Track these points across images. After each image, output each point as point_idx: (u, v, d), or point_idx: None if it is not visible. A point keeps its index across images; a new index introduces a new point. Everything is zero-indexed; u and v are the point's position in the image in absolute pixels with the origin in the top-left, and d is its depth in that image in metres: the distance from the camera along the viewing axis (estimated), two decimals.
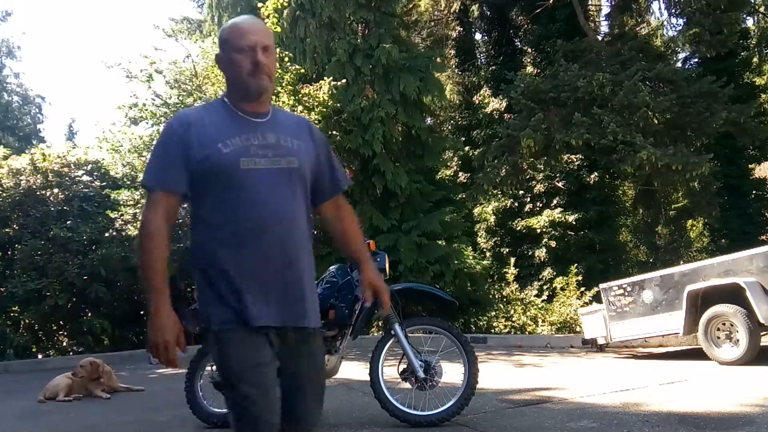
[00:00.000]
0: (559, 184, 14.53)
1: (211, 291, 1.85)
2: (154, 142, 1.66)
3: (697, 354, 6.47)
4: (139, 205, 10.75)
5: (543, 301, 11.79)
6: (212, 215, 1.85)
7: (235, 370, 1.79)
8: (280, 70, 11.21)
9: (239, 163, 1.82)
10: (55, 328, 11.14)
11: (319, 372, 2.00)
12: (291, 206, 1.87)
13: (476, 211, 15.86)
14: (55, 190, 11.01)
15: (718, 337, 6.13)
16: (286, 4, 12.07)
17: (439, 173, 13.68)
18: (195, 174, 1.85)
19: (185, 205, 2.00)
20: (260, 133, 1.89)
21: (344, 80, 11.58)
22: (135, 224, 10.58)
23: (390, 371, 4.20)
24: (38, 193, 10.97)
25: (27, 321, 10.71)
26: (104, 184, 11.71)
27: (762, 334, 6.02)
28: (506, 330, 11.15)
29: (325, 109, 11.34)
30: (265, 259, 1.82)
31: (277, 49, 11.32)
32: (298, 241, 1.89)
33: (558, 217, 14.17)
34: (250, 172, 1.82)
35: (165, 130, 1.93)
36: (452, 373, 4.09)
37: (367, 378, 4.17)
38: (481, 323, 11.76)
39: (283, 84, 11.13)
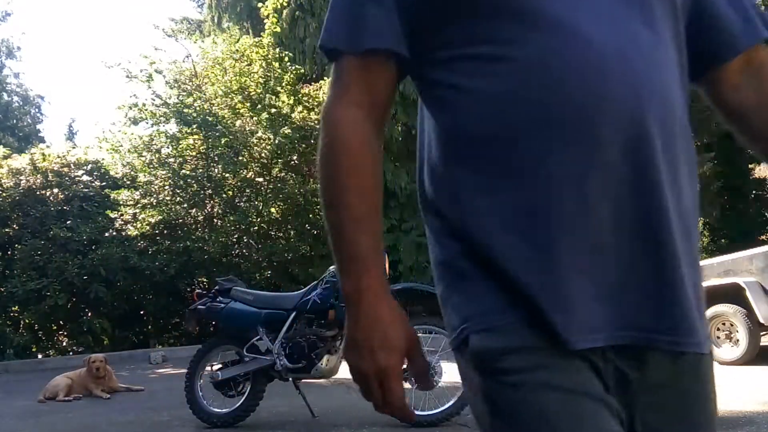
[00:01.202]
0: None
1: (470, 274, 0.83)
2: None
3: None
4: (139, 205, 10.74)
5: None
6: (468, 103, 0.83)
7: None
8: (279, 70, 11.23)
9: None
10: (55, 328, 11.15)
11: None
12: (664, 69, 0.82)
13: None
14: (55, 190, 11.02)
15: (718, 337, 6.13)
16: (285, 4, 12.08)
17: None
18: (421, 5, 0.85)
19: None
20: None
21: None
22: (135, 224, 10.58)
23: None
24: (38, 193, 10.97)
25: (27, 321, 10.73)
26: (104, 184, 11.72)
27: (762, 334, 6.02)
28: None
29: None
30: (604, 199, 0.79)
31: (277, 49, 11.36)
32: (680, 155, 0.83)
33: None
34: None
35: None
36: (452, 373, 4.07)
37: None
38: None
39: (283, 84, 11.14)
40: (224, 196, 10.87)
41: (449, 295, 0.87)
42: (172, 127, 11.37)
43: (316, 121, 11.31)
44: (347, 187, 0.87)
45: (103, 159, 12.27)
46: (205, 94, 11.30)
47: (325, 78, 11.54)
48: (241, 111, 10.98)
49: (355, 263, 0.85)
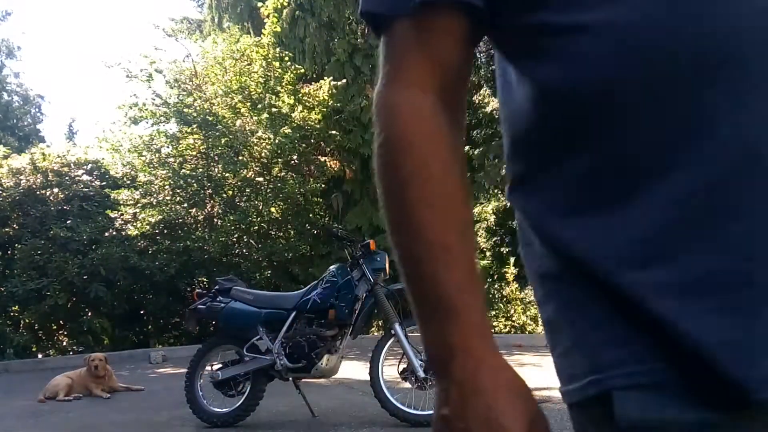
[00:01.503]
0: None
1: (598, 295, 0.58)
2: None
3: None
4: (139, 205, 10.75)
5: None
6: (579, 47, 0.57)
7: None
8: (279, 70, 11.23)
9: None
10: (55, 327, 11.15)
11: None
12: None
13: (476, 210, 15.85)
14: (55, 190, 11.02)
15: None
16: (285, 3, 12.08)
17: None
18: None
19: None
20: None
21: (344, 80, 11.60)
22: (135, 224, 10.58)
23: (390, 371, 4.20)
24: (38, 192, 10.97)
25: (27, 321, 10.73)
26: (104, 183, 11.72)
27: None
28: (506, 330, 11.16)
29: (325, 109, 11.37)
30: None
31: (277, 49, 11.36)
32: None
33: None
34: None
35: None
36: None
37: (367, 377, 4.17)
38: None
39: (283, 84, 11.15)
40: (224, 195, 10.87)
41: (564, 322, 0.60)
42: (172, 127, 11.38)
43: (316, 121, 11.32)
44: (416, 201, 0.59)
45: (103, 159, 12.28)
46: (205, 94, 11.29)
47: (325, 78, 11.55)
48: (242, 111, 10.98)
49: (437, 309, 0.58)
